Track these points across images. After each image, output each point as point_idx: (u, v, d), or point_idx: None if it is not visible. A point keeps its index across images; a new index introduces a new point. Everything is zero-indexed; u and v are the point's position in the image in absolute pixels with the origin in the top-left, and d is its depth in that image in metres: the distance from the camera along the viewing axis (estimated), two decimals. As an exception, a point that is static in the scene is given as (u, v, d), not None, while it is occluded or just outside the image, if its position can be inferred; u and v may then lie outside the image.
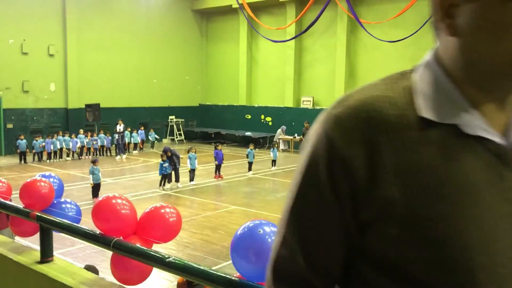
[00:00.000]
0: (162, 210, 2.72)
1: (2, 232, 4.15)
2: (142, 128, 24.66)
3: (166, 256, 2.19)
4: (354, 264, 0.87)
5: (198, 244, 9.46)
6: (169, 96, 28.28)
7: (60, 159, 20.81)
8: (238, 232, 2.01)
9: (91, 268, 4.48)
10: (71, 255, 8.55)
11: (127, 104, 26.07)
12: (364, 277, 0.85)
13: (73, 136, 21.23)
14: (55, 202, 3.35)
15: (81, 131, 21.77)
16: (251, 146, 18.09)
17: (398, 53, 22.17)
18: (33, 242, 4.17)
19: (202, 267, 2.06)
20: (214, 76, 30.14)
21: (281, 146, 24.78)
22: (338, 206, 0.83)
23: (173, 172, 15.42)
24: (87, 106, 22.84)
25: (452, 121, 0.80)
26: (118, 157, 21.86)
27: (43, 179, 3.32)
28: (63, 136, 20.92)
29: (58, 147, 20.61)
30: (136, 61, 26.39)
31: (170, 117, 28.04)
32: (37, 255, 2.96)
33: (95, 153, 21.72)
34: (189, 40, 29.35)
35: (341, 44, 23.78)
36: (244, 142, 25.92)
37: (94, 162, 13.31)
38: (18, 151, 19.66)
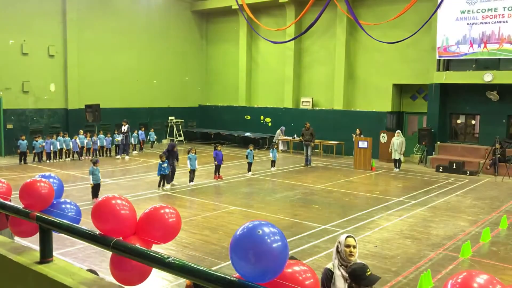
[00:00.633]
0: (162, 211, 2.72)
1: (1, 233, 4.15)
2: (143, 128, 24.70)
3: (166, 257, 2.19)
4: None
5: (198, 244, 9.46)
6: (169, 96, 28.29)
7: (60, 160, 20.81)
8: (238, 233, 2.02)
9: (92, 272, 4.48)
10: (71, 256, 8.56)
11: (127, 104, 26.08)
12: None
13: (75, 137, 21.23)
14: (54, 202, 3.35)
15: (81, 131, 21.78)
16: (251, 147, 18.10)
17: (398, 54, 22.19)
18: (33, 243, 4.17)
19: (201, 268, 2.07)
20: (213, 77, 30.15)
21: (281, 147, 24.78)
22: None
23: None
24: (87, 106, 22.84)
25: None
26: (123, 156, 22.07)
27: (43, 179, 3.32)
28: (63, 137, 20.92)
29: (58, 147, 20.62)
30: (136, 62, 26.39)
31: (170, 117, 28.06)
32: (37, 255, 2.96)
33: (94, 154, 21.74)
34: (189, 41, 29.36)
35: (340, 45, 23.79)
36: (243, 142, 25.93)
37: (95, 163, 13.31)
38: (19, 151, 19.66)
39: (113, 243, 2.46)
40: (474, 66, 19.91)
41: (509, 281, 7.75)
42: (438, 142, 20.95)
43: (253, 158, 18.26)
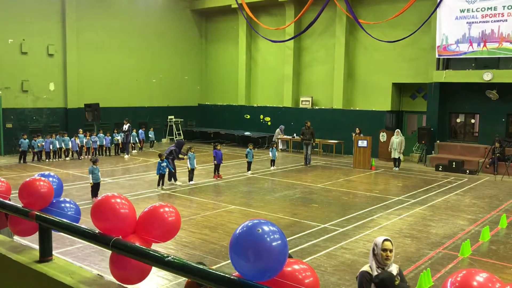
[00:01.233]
0: (161, 210, 2.72)
1: (1, 232, 4.15)
2: (143, 128, 24.70)
3: (165, 256, 2.19)
4: None
5: (197, 243, 9.46)
6: (168, 96, 28.28)
7: (59, 159, 20.80)
8: (237, 232, 2.02)
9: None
10: (70, 255, 8.56)
11: (127, 104, 26.07)
12: None
13: (75, 137, 21.22)
14: (54, 201, 3.35)
15: (81, 130, 21.78)
16: (250, 146, 18.10)
17: (397, 53, 22.19)
18: (32, 242, 4.17)
19: (201, 267, 2.07)
20: (213, 76, 30.14)
21: (280, 146, 24.78)
22: None
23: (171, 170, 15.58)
24: (87, 105, 22.82)
25: None
26: (126, 156, 22.20)
27: (42, 178, 3.31)
28: (62, 136, 20.90)
29: (57, 146, 20.61)
30: (135, 61, 26.38)
31: (170, 117, 28.06)
32: (36, 254, 2.96)
33: (94, 153, 21.73)
34: (188, 40, 29.34)
35: (340, 44, 23.78)
36: (243, 142, 25.93)
37: (94, 162, 13.30)
38: (20, 149, 19.67)
39: (113, 242, 2.46)
40: (473, 65, 19.91)
41: (509, 280, 7.75)
42: (438, 141, 20.95)
43: (253, 157, 18.26)
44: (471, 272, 1.80)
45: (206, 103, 30.32)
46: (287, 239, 2.02)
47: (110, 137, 22.48)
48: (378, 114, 22.78)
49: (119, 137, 22.65)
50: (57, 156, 20.76)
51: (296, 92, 26.05)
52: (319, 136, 23.01)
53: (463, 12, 19.25)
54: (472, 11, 19.06)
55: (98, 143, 21.97)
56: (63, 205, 3.36)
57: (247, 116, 27.94)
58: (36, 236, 3.08)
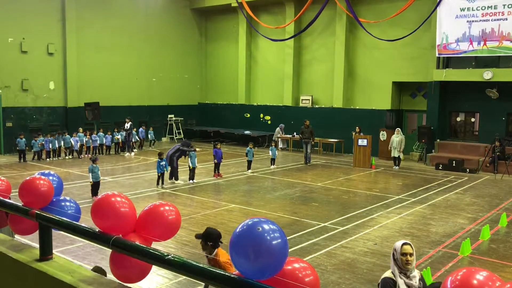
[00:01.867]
0: (162, 208, 2.71)
1: (1, 230, 4.15)
2: (144, 127, 24.69)
3: (165, 254, 2.19)
4: None
5: (197, 242, 9.43)
6: (168, 95, 28.27)
7: (59, 158, 20.80)
8: (237, 230, 2.02)
9: (100, 270, 4.46)
10: (71, 253, 8.56)
11: (127, 102, 26.07)
12: None
13: (73, 134, 21.22)
14: (54, 200, 3.35)
15: (81, 129, 21.78)
16: (250, 145, 18.10)
17: (397, 52, 22.17)
18: (33, 240, 4.17)
19: (201, 265, 2.07)
20: (213, 75, 30.12)
21: (280, 145, 24.78)
22: None
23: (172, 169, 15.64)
24: (87, 104, 22.82)
25: None
26: (128, 154, 22.27)
27: (42, 177, 3.31)
28: (62, 135, 20.90)
29: (57, 145, 20.61)
30: (135, 60, 26.37)
31: (170, 115, 28.05)
32: (37, 253, 2.96)
33: (94, 152, 21.74)
34: (188, 39, 29.32)
35: (340, 43, 23.77)
36: (243, 140, 25.92)
37: (94, 160, 13.30)
38: (18, 149, 19.67)
39: (113, 241, 2.46)
40: (473, 63, 19.89)
41: (509, 279, 7.76)
42: (438, 140, 20.95)
43: (253, 156, 18.26)
44: (471, 271, 1.80)
45: (206, 102, 30.31)
46: (287, 237, 2.02)
47: (110, 136, 22.49)
48: (378, 113, 22.77)
49: (119, 136, 22.66)
50: (56, 155, 20.77)
51: (296, 91, 26.04)
52: (319, 135, 23.02)
53: (463, 10, 19.24)
54: (472, 10, 19.04)
55: (98, 142, 21.98)
56: (63, 203, 3.36)
57: (247, 115, 27.93)
58: (36, 234, 3.08)
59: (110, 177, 16.55)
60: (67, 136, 21.04)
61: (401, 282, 4.18)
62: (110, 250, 2.55)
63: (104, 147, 22.48)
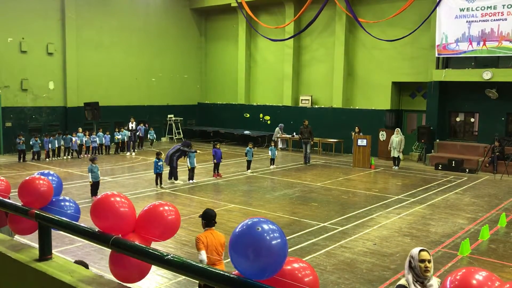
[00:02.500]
0: (161, 208, 2.71)
1: (1, 230, 4.15)
2: (142, 124, 24.62)
3: (165, 254, 2.19)
4: None
5: (197, 242, 9.44)
6: (168, 94, 28.26)
7: (59, 158, 20.80)
8: (237, 230, 2.02)
9: (82, 263, 4.46)
10: (70, 253, 8.56)
11: (126, 102, 26.06)
12: None
13: (73, 134, 21.21)
14: (53, 200, 3.34)
15: (80, 129, 21.77)
16: (250, 145, 18.10)
17: (397, 52, 22.18)
18: (32, 240, 4.17)
19: (200, 265, 2.07)
20: (212, 75, 30.12)
21: (280, 145, 24.78)
22: None
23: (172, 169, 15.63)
24: (86, 104, 22.81)
25: None
26: (129, 154, 22.30)
27: (42, 177, 3.31)
28: (62, 135, 20.89)
29: (57, 145, 20.60)
30: (135, 60, 26.37)
31: (169, 115, 28.05)
32: (36, 253, 2.96)
33: (94, 152, 21.73)
34: (188, 38, 29.32)
35: (339, 43, 23.77)
36: (242, 140, 25.92)
37: (93, 160, 13.31)
38: (18, 149, 19.68)
39: (112, 241, 2.46)
40: (473, 64, 19.90)
41: (508, 279, 7.76)
42: (437, 140, 20.96)
43: (252, 156, 18.26)
44: (470, 271, 1.80)
45: (206, 102, 30.31)
46: (287, 237, 2.02)
47: (109, 136, 22.48)
48: (377, 113, 22.77)
49: (120, 136, 22.64)
50: (56, 155, 20.76)
51: (295, 91, 26.04)
52: (318, 135, 23.02)
53: (463, 11, 19.25)
54: (472, 10, 19.05)
55: (98, 142, 21.97)
56: (62, 203, 3.35)
57: (246, 115, 27.93)
58: (35, 234, 3.07)
59: (110, 177, 16.55)
60: (68, 136, 21.03)
61: None
62: (110, 250, 2.55)
63: (104, 147, 22.46)
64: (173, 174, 15.76)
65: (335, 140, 23.46)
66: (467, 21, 19.19)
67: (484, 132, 20.17)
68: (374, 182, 16.93)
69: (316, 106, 25.11)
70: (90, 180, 13.14)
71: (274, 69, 26.76)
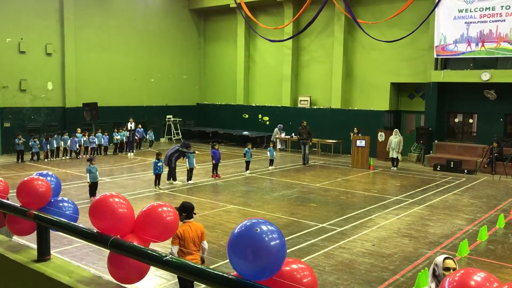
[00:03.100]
0: (160, 209, 2.71)
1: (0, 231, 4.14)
2: (140, 126, 24.64)
3: (163, 255, 2.19)
4: None
5: (195, 243, 9.44)
6: (166, 95, 28.25)
7: (57, 158, 20.77)
8: (235, 231, 2.02)
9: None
10: (69, 254, 8.55)
11: (125, 103, 26.04)
12: None
13: (73, 136, 21.19)
14: (52, 200, 3.34)
15: (79, 130, 21.75)
16: (249, 145, 18.10)
17: (395, 52, 22.21)
18: (30, 241, 4.17)
19: (199, 266, 2.07)
20: (211, 76, 30.12)
21: (279, 146, 24.78)
22: None
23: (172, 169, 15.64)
24: (85, 105, 22.80)
25: None
26: (130, 154, 22.29)
27: (40, 177, 3.31)
28: (61, 136, 20.87)
29: (55, 146, 20.58)
30: (133, 60, 26.35)
31: (168, 116, 28.03)
32: (34, 254, 2.96)
33: (92, 152, 21.71)
34: (187, 39, 29.32)
35: (338, 43, 23.79)
36: (241, 141, 25.91)
37: (90, 160, 13.30)
38: (16, 149, 19.64)
39: (111, 241, 2.46)
40: (471, 65, 19.93)
41: (506, 279, 7.77)
42: (436, 141, 20.97)
43: (251, 156, 18.26)
44: (469, 272, 1.80)
45: (205, 102, 30.30)
46: (285, 238, 2.02)
47: (108, 137, 22.47)
48: (376, 113, 22.79)
49: (118, 137, 22.64)
50: (54, 156, 20.74)
51: (294, 92, 26.05)
52: (317, 135, 23.03)
53: (462, 12, 19.28)
54: (470, 11, 19.08)
55: (96, 142, 21.95)
56: (61, 204, 3.35)
57: (245, 116, 27.93)
58: (34, 235, 3.07)
59: (108, 178, 16.53)
60: (66, 136, 21.01)
61: None
62: (108, 251, 2.55)
63: (102, 147, 22.44)
64: (171, 175, 15.74)
65: (334, 141, 23.46)
66: (465, 22, 19.22)
67: (482, 133, 20.20)
68: (373, 183, 16.94)
69: (315, 107, 25.12)
70: (88, 180, 13.13)
71: (273, 69, 26.77)
